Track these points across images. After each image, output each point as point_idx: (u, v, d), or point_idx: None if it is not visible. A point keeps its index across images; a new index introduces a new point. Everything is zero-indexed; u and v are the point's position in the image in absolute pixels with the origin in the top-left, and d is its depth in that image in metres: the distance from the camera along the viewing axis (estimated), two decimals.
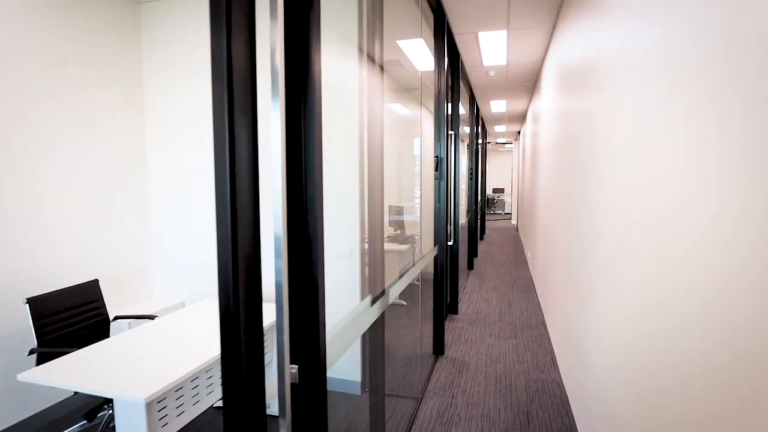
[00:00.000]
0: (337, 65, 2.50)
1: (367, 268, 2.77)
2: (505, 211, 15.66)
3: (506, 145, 15.41)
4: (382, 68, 1.93)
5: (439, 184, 3.07)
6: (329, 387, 2.69)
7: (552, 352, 3.30)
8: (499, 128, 10.68)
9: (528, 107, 7.38)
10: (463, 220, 7.01)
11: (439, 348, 3.31)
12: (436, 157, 2.96)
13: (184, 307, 3.07)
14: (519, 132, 11.53)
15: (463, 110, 6.91)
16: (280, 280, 0.87)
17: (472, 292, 5.10)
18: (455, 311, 4.30)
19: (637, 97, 1.37)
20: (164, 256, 3.08)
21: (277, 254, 0.86)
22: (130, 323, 2.61)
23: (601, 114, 1.88)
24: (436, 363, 3.17)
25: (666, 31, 1.12)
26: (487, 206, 15.69)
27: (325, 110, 0.98)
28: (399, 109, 5.39)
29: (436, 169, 2.95)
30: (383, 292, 1.91)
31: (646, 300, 1.26)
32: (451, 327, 3.92)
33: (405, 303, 4.63)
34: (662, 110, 1.15)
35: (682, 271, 0.99)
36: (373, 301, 1.81)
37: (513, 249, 8.06)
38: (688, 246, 0.96)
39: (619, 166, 1.58)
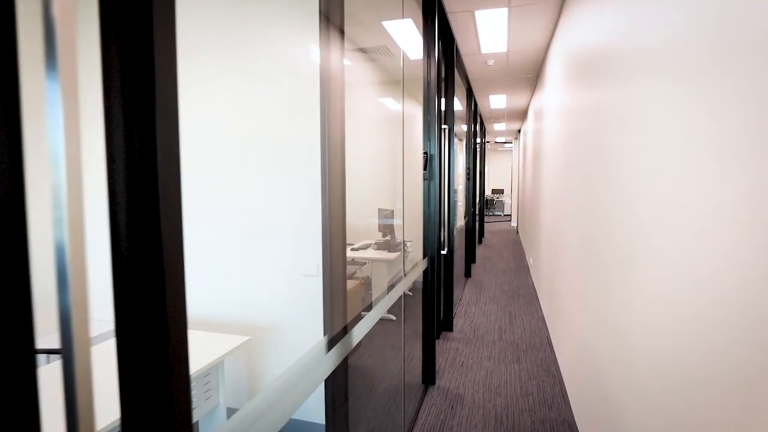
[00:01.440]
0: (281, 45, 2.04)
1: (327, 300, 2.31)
2: (505, 213, 15.19)
3: (505, 145, 14.95)
4: (344, 43, 1.46)
5: (429, 185, 2.60)
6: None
7: (561, 381, 2.82)
8: (499, 126, 10.21)
9: (529, 103, 6.91)
10: (461, 222, 6.54)
11: (429, 376, 2.84)
12: (425, 153, 2.49)
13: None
14: (519, 130, 11.07)
15: (459, 106, 6.44)
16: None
17: (469, 303, 4.63)
18: (449, 327, 3.83)
19: (689, 87, 0.90)
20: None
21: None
22: (48, 358, 2.14)
23: (630, 110, 1.41)
24: (425, 396, 2.70)
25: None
26: (486, 207, 15.23)
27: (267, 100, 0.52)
28: (391, 104, 4.92)
29: (425, 168, 2.49)
30: (345, 331, 1.44)
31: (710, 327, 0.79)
32: (444, 348, 3.44)
33: (394, 318, 4.16)
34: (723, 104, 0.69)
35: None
36: (330, 345, 1.33)
37: (513, 254, 7.59)
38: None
39: (656, 174, 1.11)
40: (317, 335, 1.39)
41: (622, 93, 1.55)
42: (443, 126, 3.46)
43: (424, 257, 2.68)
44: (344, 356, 1.41)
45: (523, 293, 5.00)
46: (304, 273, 2.24)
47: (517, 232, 10.53)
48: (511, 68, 4.75)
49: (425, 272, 2.69)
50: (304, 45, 1.95)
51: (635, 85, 1.40)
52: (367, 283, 4.56)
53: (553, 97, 3.79)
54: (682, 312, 1.03)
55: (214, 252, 2.16)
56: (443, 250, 3.55)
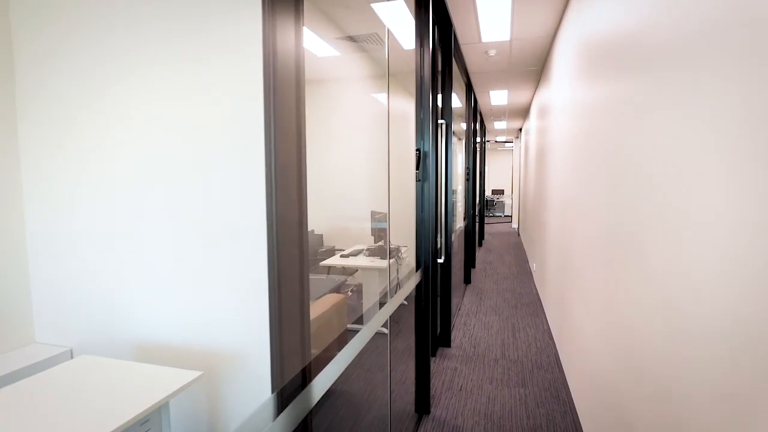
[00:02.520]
0: None
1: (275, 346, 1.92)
2: (505, 214, 14.85)
3: (506, 144, 14.61)
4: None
5: (422, 186, 2.26)
6: None
7: (572, 408, 2.48)
8: (499, 124, 9.87)
9: (532, 99, 6.57)
10: (460, 224, 6.20)
11: (423, 404, 2.49)
12: (418, 151, 2.14)
13: (71, 357, 2.24)
14: (520, 129, 10.73)
15: (458, 103, 6.11)
16: None
17: (468, 314, 4.28)
18: (447, 343, 3.48)
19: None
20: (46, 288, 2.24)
21: None
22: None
23: (663, 104, 1.06)
24: (418, 429, 2.35)
25: None
26: (486, 208, 14.90)
27: None
28: (386, 99, 4.57)
29: (417, 167, 2.14)
30: (304, 381, 1.08)
31: None
32: (441, 368, 3.09)
33: (386, 331, 3.81)
34: None
35: None
36: (281, 404, 0.99)
37: (515, 258, 7.24)
38: None
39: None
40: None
41: (653, 85, 1.20)
42: (440, 121, 3.12)
43: (417, 269, 2.34)
44: (304, 416, 1.06)
45: (526, 302, 4.66)
46: (241, 298, 1.88)
47: (518, 234, 10.19)
48: (514, 60, 4.41)
49: (418, 286, 2.34)
50: (241, 21, 1.55)
51: (668, 73, 1.06)
52: (356, 295, 4.22)
53: (561, 91, 3.44)
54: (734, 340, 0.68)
55: (157, 263, 1.80)
56: (440, 258, 3.22)
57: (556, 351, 3.32)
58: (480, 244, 8.67)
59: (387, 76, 2.66)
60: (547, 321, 3.99)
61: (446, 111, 3.29)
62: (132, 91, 1.70)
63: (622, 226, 1.60)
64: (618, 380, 1.60)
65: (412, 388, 2.53)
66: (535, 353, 3.32)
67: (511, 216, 13.39)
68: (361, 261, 3.87)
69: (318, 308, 2.35)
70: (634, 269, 1.44)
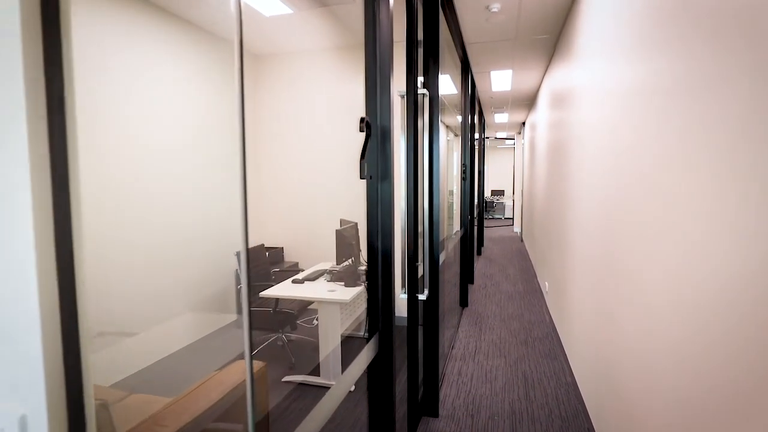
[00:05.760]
0: None
1: None
2: (506, 216, 13.83)
3: (506, 141, 13.60)
4: None
5: (378, 187, 1.24)
6: None
7: None
8: (500, 117, 8.86)
9: (541, 83, 5.56)
10: (457, 228, 5.19)
11: None
12: (363, 121, 1.11)
13: None
14: (523, 123, 9.73)
15: (454, 89, 5.09)
16: None
17: (465, 355, 3.26)
18: (433, 411, 2.46)
19: None
20: None
21: None
22: None
23: None
24: None
25: None
26: (486, 210, 13.89)
27: None
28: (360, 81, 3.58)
29: (362, 155, 1.12)
30: None
31: None
32: None
33: (353, 388, 2.80)
34: None
35: None
36: None
37: (520, 269, 6.23)
38: None
39: None
40: None
41: None
42: (420, 91, 2.11)
43: (368, 337, 1.31)
44: None
45: (539, 335, 3.64)
46: None
47: (522, 240, 9.18)
48: (523, 23, 3.40)
49: (372, 367, 1.32)
50: None
51: None
52: (306, 350, 3.19)
53: (595, 69, 2.44)
54: None
55: None
56: (421, 294, 2.20)
57: (591, 423, 2.30)
58: (479, 252, 7.66)
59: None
60: (569, 367, 2.98)
61: (431, 77, 2.27)
62: None
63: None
64: None
65: None
66: (561, 422, 2.31)
67: (512, 219, 12.34)
68: (319, 290, 2.85)
69: (194, 402, 1.33)
70: None
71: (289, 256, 4.35)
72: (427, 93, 2.16)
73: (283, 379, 2.83)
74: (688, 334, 1.16)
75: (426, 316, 2.40)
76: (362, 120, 1.11)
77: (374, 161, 1.26)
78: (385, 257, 1.32)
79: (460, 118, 5.05)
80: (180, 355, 3.14)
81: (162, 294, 3.09)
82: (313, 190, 4.20)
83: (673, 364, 1.26)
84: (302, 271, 3.50)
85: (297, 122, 4.20)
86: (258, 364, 1.75)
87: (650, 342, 1.44)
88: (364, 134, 1.12)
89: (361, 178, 1.13)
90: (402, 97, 2.12)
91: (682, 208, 1.20)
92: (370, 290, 1.33)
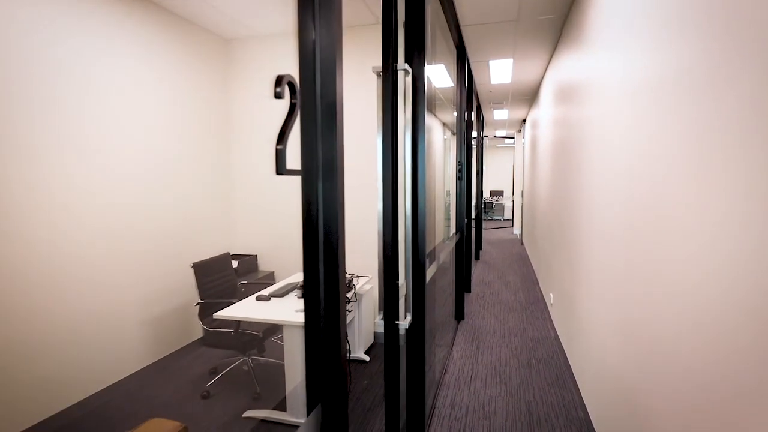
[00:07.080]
0: None
1: None
2: (505, 217, 13.39)
3: (506, 140, 13.17)
4: None
5: (320, 189, 0.82)
6: None
7: None
8: (500, 114, 8.43)
9: (544, 74, 5.13)
10: (453, 229, 4.76)
11: None
12: (282, 81, 0.70)
13: None
14: (524, 121, 9.30)
15: (451, 82, 4.65)
16: None
17: (459, 381, 2.83)
18: None
19: None
20: None
21: None
22: None
23: None
24: None
25: None
26: (484, 211, 13.46)
27: None
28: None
29: (281, 137, 0.70)
30: None
31: None
32: None
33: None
34: None
35: None
36: None
37: (521, 276, 5.80)
38: None
39: None
40: None
41: None
42: (403, 67, 1.68)
43: (309, 411, 0.89)
44: None
45: (543, 356, 3.21)
46: None
47: (522, 243, 8.75)
48: (524, 1, 2.96)
49: None
50: None
51: None
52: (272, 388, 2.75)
53: (613, 57, 2.01)
54: None
55: None
56: (402, 320, 1.77)
57: None
58: (477, 257, 7.23)
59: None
60: (581, 398, 2.55)
61: (414, 45, 1.84)
62: None
63: None
64: None
65: None
66: None
67: (512, 220, 11.90)
68: (285, 309, 2.41)
69: None
70: None
71: (265, 265, 3.91)
72: (410, 70, 1.73)
73: (243, 415, 2.39)
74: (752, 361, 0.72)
75: (410, 347, 1.97)
76: (279, 80, 0.68)
77: (312, 149, 0.83)
78: (330, 289, 0.89)
79: (455, 114, 4.62)
80: (114, 390, 2.70)
81: (101, 313, 2.65)
82: (289, 188, 3.76)
83: (736, 408, 0.82)
84: (275, 283, 3.06)
85: (272, 112, 3.77)
86: (176, 427, 1.32)
87: (699, 375, 1.01)
88: (284, 106, 0.70)
89: (277, 173, 0.71)
90: (378, 75, 1.69)
91: (737, 214, 0.77)
92: (308, 339, 0.89)
